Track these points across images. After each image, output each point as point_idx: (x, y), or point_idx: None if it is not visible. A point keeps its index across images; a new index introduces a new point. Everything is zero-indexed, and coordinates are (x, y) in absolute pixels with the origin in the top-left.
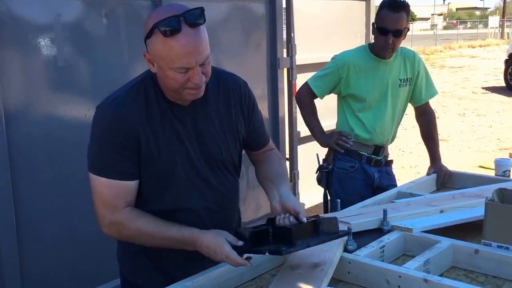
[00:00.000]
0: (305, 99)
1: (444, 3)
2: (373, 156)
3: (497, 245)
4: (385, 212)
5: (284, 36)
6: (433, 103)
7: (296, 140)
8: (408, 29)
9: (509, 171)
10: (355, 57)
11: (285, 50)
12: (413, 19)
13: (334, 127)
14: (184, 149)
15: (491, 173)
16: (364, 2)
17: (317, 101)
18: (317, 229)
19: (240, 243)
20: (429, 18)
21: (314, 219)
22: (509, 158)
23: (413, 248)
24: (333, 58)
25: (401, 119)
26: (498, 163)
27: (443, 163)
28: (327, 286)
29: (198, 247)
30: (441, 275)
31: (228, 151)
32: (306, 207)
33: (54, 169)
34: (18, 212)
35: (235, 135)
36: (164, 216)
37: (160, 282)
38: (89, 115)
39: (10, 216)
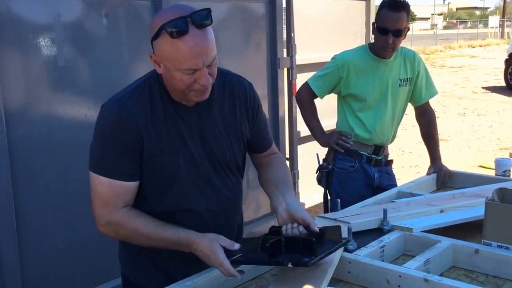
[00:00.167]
0: (305, 99)
1: (444, 2)
2: (373, 156)
3: (497, 245)
4: (385, 212)
5: (284, 36)
6: (433, 103)
7: (296, 140)
8: (408, 29)
9: (509, 170)
10: (355, 57)
11: (285, 50)
12: (413, 18)
13: (334, 127)
14: (188, 149)
15: (491, 173)
16: (364, 2)
17: (317, 101)
18: (322, 238)
19: (237, 246)
20: (429, 18)
21: (319, 228)
22: (509, 157)
23: (413, 248)
24: (333, 58)
25: (401, 119)
26: (498, 162)
27: (443, 163)
28: (327, 286)
29: (193, 250)
30: (441, 275)
31: (232, 153)
32: (306, 207)
33: (54, 168)
34: (18, 211)
35: (239, 136)
36: (166, 217)
37: (160, 282)
38: (89, 115)
39: (10, 216)
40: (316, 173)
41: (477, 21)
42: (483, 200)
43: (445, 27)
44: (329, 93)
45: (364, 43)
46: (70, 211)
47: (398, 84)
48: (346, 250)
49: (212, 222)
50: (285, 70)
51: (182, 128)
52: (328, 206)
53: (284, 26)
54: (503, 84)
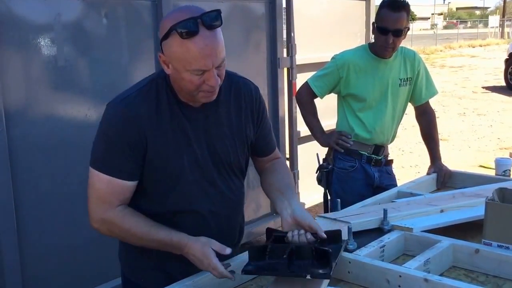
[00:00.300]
0: (305, 99)
1: (444, 2)
2: (373, 155)
3: (498, 245)
4: (385, 211)
5: (284, 35)
6: (433, 102)
7: (296, 139)
8: (408, 29)
9: (510, 170)
10: (355, 57)
11: (285, 50)
12: (413, 18)
13: (334, 126)
14: (193, 151)
15: (492, 173)
16: (364, 1)
17: (317, 101)
18: (325, 242)
19: (228, 250)
20: (429, 18)
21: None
22: (509, 157)
23: (413, 247)
24: (333, 58)
25: (401, 119)
26: (499, 162)
27: (443, 163)
28: (327, 286)
29: (185, 253)
30: (441, 275)
31: (236, 155)
32: (306, 207)
33: (54, 168)
34: (18, 211)
35: (244, 139)
36: (168, 217)
37: (161, 282)
38: (89, 114)
39: (10, 215)
40: (316, 173)
41: (477, 21)
42: (483, 200)
43: (445, 27)
44: (329, 93)
45: (364, 43)
46: (70, 211)
47: (398, 84)
48: (346, 250)
49: (214, 223)
50: (285, 70)
51: (188, 129)
52: (328, 206)
53: (284, 26)
54: (503, 84)
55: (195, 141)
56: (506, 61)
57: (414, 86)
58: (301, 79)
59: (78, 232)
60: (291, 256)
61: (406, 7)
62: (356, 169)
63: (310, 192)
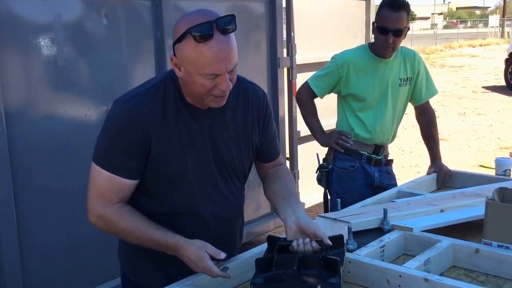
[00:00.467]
0: (305, 99)
1: (444, 2)
2: (373, 155)
3: (498, 245)
4: (385, 211)
5: (284, 35)
6: (433, 102)
7: (296, 139)
8: (408, 29)
9: (510, 170)
10: (355, 57)
11: (285, 50)
12: (413, 18)
13: (334, 126)
14: (197, 153)
15: (492, 172)
16: (364, 1)
17: (317, 101)
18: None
19: (223, 255)
20: (429, 18)
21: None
22: (509, 157)
23: (414, 247)
24: (333, 58)
25: (401, 119)
26: (499, 162)
27: (443, 163)
28: None
29: (179, 255)
30: (441, 275)
31: (240, 159)
32: (306, 206)
33: (54, 168)
34: (19, 211)
35: (249, 143)
36: (169, 218)
37: (160, 281)
38: (89, 114)
39: (10, 215)
40: (316, 172)
41: (477, 20)
42: (483, 200)
43: (445, 27)
44: (329, 92)
45: (364, 43)
46: (70, 211)
47: (398, 83)
48: (346, 250)
49: (215, 226)
50: (285, 69)
51: (193, 131)
52: (328, 205)
53: (284, 26)
54: (503, 83)
55: (200, 144)
56: (506, 60)
57: (414, 86)
58: (301, 79)
59: (78, 232)
60: (299, 266)
61: (406, 6)
62: (356, 169)
63: (310, 192)
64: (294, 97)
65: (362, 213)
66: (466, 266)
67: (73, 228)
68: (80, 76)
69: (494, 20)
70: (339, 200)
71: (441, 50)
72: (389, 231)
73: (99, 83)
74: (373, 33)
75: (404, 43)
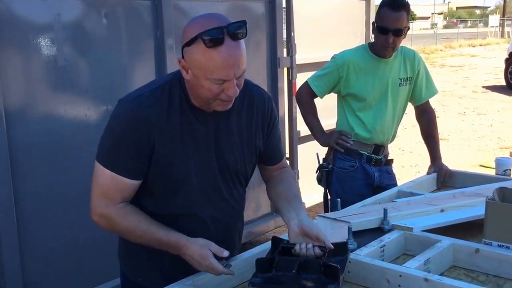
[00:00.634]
0: (305, 99)
1: (444, 2)
2: (373, 155)
3: (498, 244)
4: (385, 211)
5: (284, 35)
6: (433, 102)
7: (296, 139)
8: (409, 28)
9: (510, 170)
10: (355, 56)
11: (285, 50)
12: (413, 18)
13: (334, 126)
14: (200, 156)
15: (492, 172)
16: (364, 1)
17: (317, 101)
18: (329, 255)
19: (226, 253)
20: (429, 17)
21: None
22: (509, 157)
23: (414, 247)
24: (333, 58)
25: (401, 118)
26: (499, 162)
27: (443, 162)
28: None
29: (182, 254)
30: (441, 275)
31: (244, 163)
32: (306, 206)
33: (54, 168)
34: (19, 211)
35: (253, 148)
36: (170, 220)
37: (161, 281)
38: (89, 114)
39: (10, 215)
40: (316, 172)
41: (477, 20)
42: (483, 200)
43: (445, 26)
44: (329, 92)
45: (364, 43)
46: (70, 211)
47: (398, 83)
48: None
49: (215, 229)
50: (285, 69)
51: (197, 134)
52: (328, 205)
53: (284, 26)
54: (504, 83)
55: (203, 147)
56: (506, 60)
57: (414, 85)
58: (301, 79)
59: (78, 231)
60: (299, 270)
61: (406, 6)
62: (356, 168)
63: (310, 192)
64: (294, 97)
65: (362, 213)
66: (466, 266)
67: (73, 228)
68: (80, 76)
69: (494, 19)
70: (339, 200)
71: (441, 50)
72: (389, 231)
73: (99, 83)
74: (373, 33)
75: (404, 42)
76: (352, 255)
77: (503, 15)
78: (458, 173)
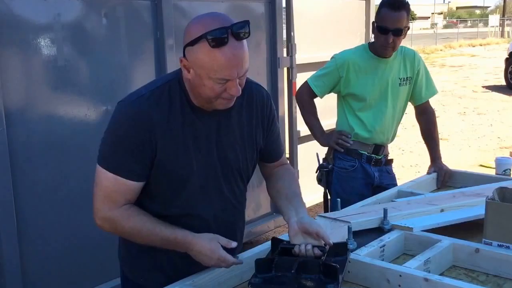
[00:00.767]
0: (305, 98)
1: (444, 2)
2: (373, 155)
3: (498, 244)
4: (385, 211)
5: (284, 35)
6: (433, 102)
7: (296, 139)
8: (409, 28)
9: (510, 169)
10: (355, 56)
11: (285, 50)
12: (413, 18)
13: (334, 126)
14: (202, 155)
15: (492, 172)
16: (364, 1)
17: (317, 101)
18: (329, 255)
19: (234, 244)
20: (429, 17)
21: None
22: (509, 156)
23: (414, 247)
24: (332, 57)
25: (401, 118)
26: (499, 161)
27: (443, 162)
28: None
29: (189, 250)
30: (441, 274)
31: (245, 161)
32: (306, 206)
33: (54, 168)
34: (19, 211)
35: (253, 145)
36: (171, 220)
37: (161, 281)
38: (89, 114)
39: (10, 215)
40: (316, 172)
41: (477, 20)
42: (483, 199)
43: (445, 26)
44: (329, 92)
45: (364, 42)
46: (70, 211)
47: (398, 83)
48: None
49: (217, 228)
50: (285, 69)
51: (199, 133)
52: (328, 205)
53: (284, 26)
54: (504, 83)
55: (205, 146)
56: (506, 60)
57: (414, 85)
58: (301, 79)
59: (78, 232)
60: (298, 270)
61: (406, 6)
62: (356, 168)
63: (310, 192)
64: (294, 97)
65: (362, 213)
66: (466, 265)
67: (73, 228)
68: (80, 76)
69: (494, 19)
70: (339, 200)
71: (441, 50)
72: (389, 230)
73: (99, 83)
74: (373, 32)
75: (404, 42)
76: (352, 255)
77: (503, 15)
78: (458, 173)
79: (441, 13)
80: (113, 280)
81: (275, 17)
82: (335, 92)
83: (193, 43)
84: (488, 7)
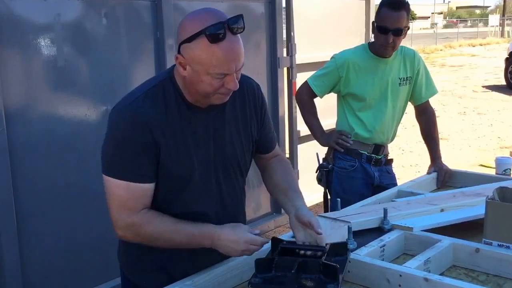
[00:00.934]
0: (305, 98)
1: (444, 1)
2: (373, 155)
3: (498, 244)
4: (385, 211)
5: (284, 35)
6: (433, 101)
7: (296, 139)
8: (408, 28)
9: (510, 169)
10: (355, 56)
11: (285, 49)
12: (413, 18)
13: (334, 126)
14: (202, 152)
15: (492, 172)
16: (364, 1)
17: (317, 101)
18: (330, 254)
19: (257, 231)
20: (429, 17)
21: (328, 244)
22: (509, 156)
23: (414, 247)
24: (332, 57)
25: (401, 118)
26: (499, 161)
27: (443, 162)
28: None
29: (215, 241)
30: (441, 274)
31: (243, 153)
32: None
33: (54, 168)
34: (19, 211)
35: (249, 137)
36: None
37: (162, 282)
38: (89, 114)
39: (10, 215)
40: (316, 172)
41: (477, 20)
42: (483, 199)
43: (445, 26)
44: (329, 92)
45: (363, 42)
46: (70, 211)
47: (398, 83)
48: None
49: (219, 223)
50: (285, 69)
51: (197, 130)
52: (328, 205)
53: (284, 26)
54: (504, 82)
55: (204, 142)
56: (506, 60)
57: (414, 85)
58: (301, 79)
59: (78, 231)
60: (298, 270)
61: (406, 6)
62: (356, 168)
63: (310, 192)
64: (294, 97)
65: (362, 213)
66: (467, 265)
67: (73, 228)
68: (80, 76)
69: (494, 19)
70: (339, 199)
71: (441, 50)
72: (389, 230)
73: (99, 83)
74: (373, 32)
75: (404, 42)
76: (352, 255)
77: (503, 15)
78: (458, 173)
79: (441, 13)
80: (113, 280)
81: (275, 17)
82: (335, 92)
83: (190, 39)
84: (488, 6)
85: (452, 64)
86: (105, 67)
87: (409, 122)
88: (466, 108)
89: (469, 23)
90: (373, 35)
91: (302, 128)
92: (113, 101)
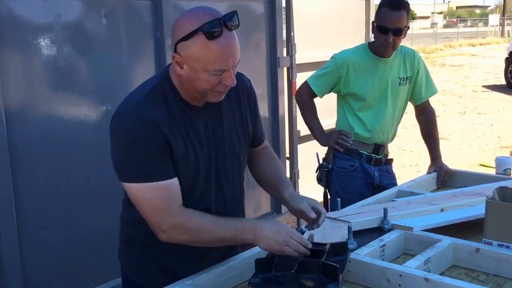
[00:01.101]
0: (305, 98)
1: (444, 1)
2: (373, 155)
3: (498, 244)
4: (385, 211)
5: (284, 35)
6: (433, 101)
7: (296, 139)
8: (408, 28)
9: (510, 169)
10: (355, 56)
11: (285, 49)
12: (413, 17)
13: (334, 126)
14: (204, 149)
15: (492, 172)
16: (364, 0)
17: (316, 100)
18: (330, 254)
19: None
20: (429, 17)
21: (327, 245)
22: (509, 156)
23: (414, 247)
24: (332, 57)
25: (401, 118)
26: (499, 161)
27: (443, 162)
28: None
29: (258, 234)
30: (441, 274)
31: (241, 149)
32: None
33: (54, 168)
34: (19, 211)
35: (246, 130)
36: None
37: (163, 282)
38: (89, 114)
39: (10, 215)
40: (316, 172)
41: (477, 19)
42: (483, 199)
43: (445, 26)
44: (329, 92)
45: (363, 42)
46: (70, 211)
47: (397, 83)
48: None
49: None
50: (285, 69)
51: (198, 129)
52: (328, 205)
53: (284, 26)
54: (504, 82)
55: (205, 140)
56: (507, 59)
57: (414, 85)
58: (301, 79)
59: (78, 231)
60: (298, 270)
61: (406, 6)
62: (356, 168)
63: (310, 192)
64: (294, 97)
65: (362, 213)
66: (467, 265)
67: (73, 228)
68: (80, 76)
69: (494, 19)
70: (339, 199)
71: (441, 49)
72: (389, 230)
73: (99, 83)
74: (373, 32)
75: (404, 42)
76: (352, 255)
77: (503, 14)
78: (458, 173)
79: (441, 13)
80: (114, 280)
81: (275, 17)
82: (335, 92)
83: (187, 37)
84: (488, 6)
85: (452, 64)
86: (105, 67)
87: (409, 122)
88: (466, 108)
89: (469, 23)
90: (373, 35)
91: (302, 128)
92: (113, 101)
